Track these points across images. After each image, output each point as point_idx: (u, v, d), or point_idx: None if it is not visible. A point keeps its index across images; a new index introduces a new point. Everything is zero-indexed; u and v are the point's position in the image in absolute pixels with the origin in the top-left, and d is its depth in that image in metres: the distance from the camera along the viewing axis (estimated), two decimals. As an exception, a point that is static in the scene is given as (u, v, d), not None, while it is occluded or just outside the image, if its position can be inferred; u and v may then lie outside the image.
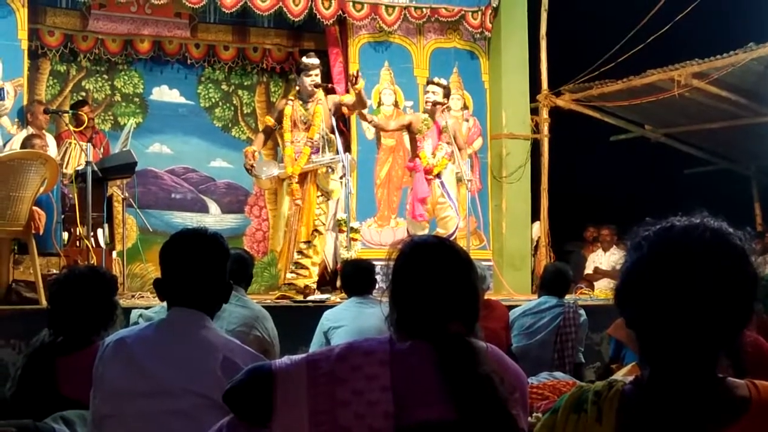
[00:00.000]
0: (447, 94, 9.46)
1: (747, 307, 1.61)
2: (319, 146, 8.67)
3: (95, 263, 7.34)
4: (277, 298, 8.35)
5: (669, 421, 1.59)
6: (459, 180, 9.32)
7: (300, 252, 8.56)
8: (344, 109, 8.95)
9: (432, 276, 2.15)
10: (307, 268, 8.57)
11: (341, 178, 8.66)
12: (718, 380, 1.63)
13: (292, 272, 8.54)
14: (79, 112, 9.36)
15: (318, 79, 8.78)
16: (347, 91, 10.32)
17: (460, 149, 9.13)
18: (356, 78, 8.69)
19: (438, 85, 9.38)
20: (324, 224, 8.66)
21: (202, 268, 2.92)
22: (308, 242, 8.59)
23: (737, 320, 1.61)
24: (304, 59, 8.94)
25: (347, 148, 9.11)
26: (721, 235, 1.63)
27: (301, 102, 8.74)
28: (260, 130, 9.49)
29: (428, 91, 9.38)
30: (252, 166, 8.76)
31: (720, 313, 1.59)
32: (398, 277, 2.20)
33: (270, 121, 8.92)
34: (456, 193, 9.31)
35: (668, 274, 1.60)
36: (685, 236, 1.62)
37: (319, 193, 8.68)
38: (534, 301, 6.90)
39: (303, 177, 8.63)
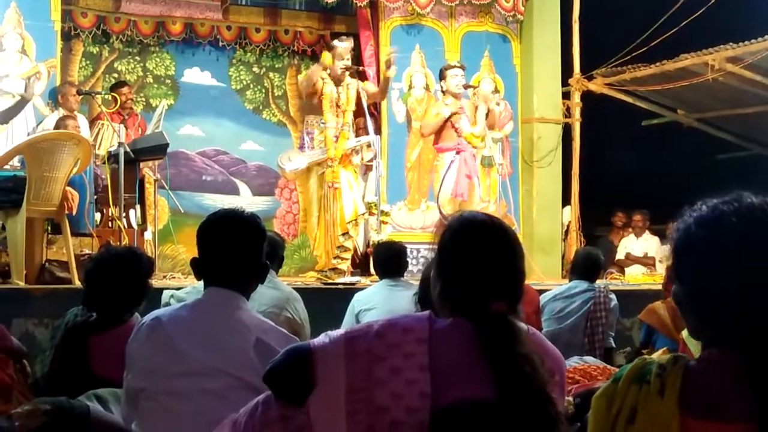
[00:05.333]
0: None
1: None
2: (352, 131, 8.78)
3: (127, 244, 7.39)
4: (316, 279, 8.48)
5: (732, 398, 1.59)
6: (488, 164, 9.43)
7: (345, 233, 8.62)
8: (363, 95, 8.88)
9: (479, 252, 2.13)
10: (348, 251, 8.66)
11: (371, 160, 8.70)
12: None
13: (336, 257, 8.61)
14: (116, 93, 9.42)
15: (349, 63, 8.79)
16: (378, 74, 10.33)
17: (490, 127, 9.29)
18: (390, 63, 8.71)
19: (461, 67, 9.45)
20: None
21: (240, 249, 2.96)
22: (356, 222, 8.68)
23: None
24: (336, 42, 8.94)
25: (377, 131, 9.16)
26: None
27: (334, 83, 8.76)
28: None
29: (455, 75, 9.37)
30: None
31: None
32: (446, 252, 2.19)
33: (329, 60, 8.83)
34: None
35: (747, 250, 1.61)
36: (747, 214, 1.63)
37: (355, 176, 8.79)
38: (565, 286, 6.89)
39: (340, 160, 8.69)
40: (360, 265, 8.99)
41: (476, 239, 2.16)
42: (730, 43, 10.62)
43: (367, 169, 9.24)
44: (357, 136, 9.07)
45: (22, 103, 8.84)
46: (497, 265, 2.12)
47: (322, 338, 2.08)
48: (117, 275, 3.81)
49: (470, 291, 2.09)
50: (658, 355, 5.00)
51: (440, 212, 9.47)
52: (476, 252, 2.13)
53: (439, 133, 9.43)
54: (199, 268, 3.00)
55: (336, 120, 8.73)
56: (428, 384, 1.94)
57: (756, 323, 1.59)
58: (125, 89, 9.84)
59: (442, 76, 9.55)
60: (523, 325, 2.07)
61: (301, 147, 8.98)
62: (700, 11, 10.33)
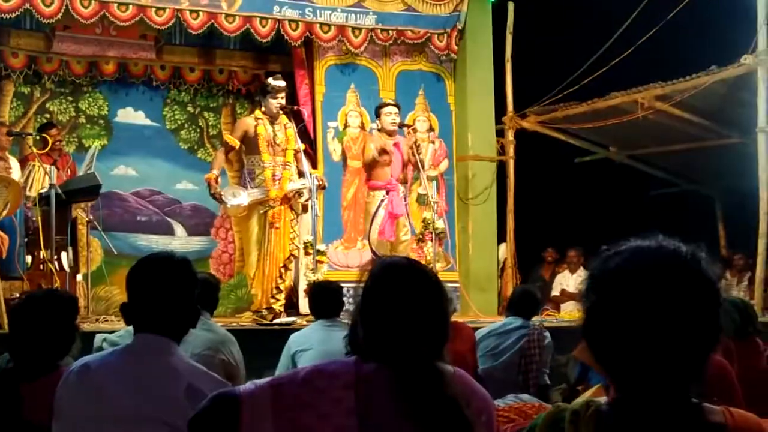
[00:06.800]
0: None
1: (716, 331, 1.63)
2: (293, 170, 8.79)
3: (59, 287, 7.28)
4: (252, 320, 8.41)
5: None
6: (423, 202, 9.54)
7: (280, 276, 8.59)
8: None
9: (401, 298, 2.14)
10: (282, 292, 8.61)
11: (307, 200, 8.69)
12: (693, 405, 1.64)
13: (273, 297, 8.56)
14: (45, 135, 9.29)
15: (284, 102, 8.81)
16: (313, 114, 10.41)
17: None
18: None
19: (395, 105, 9.55)
20: (298, 248, 8.71)
21: (170, 294, 2.91)
22: (285, 266, 8.63)
23: (707, 344, 1.62)
24: (271, 81, 8.95)
25: (313, 168, 9.19)
26: (690, 261, 1.64)
27: (270, 123, 8.77)
28: (221, 147, 9.43)
29: (390, 113, 9.45)
30: (219, 193, 8.74)
31: (692, 337, 1.60)
32: (367, 298, 2.19)
33: (234, 141, 8.88)
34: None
35: (646, 304, 1.60)
36: (657, 262, 1.64)
37: (292, 216, 8.72)
38: (499, 322, 6.92)
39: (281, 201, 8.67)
40: (295, 306, 8.95)
41: (396, 285, 2.17)
42: (659, 82, 10.84)
43: (303, 208, 9.21)
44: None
45: None
46: (418, 310, 2.13)
47: (248, 385, 2.07)
48: (37, 320, 3.71)
49: (392, 337, 2.10)
50: (593, 392, 5.05)
51: (372, 251, 9.50)
52: (396, 298, 2.14)
53: (371, 170, 9.51)
54: (128, 313, 2.96)
55: (273, 159, 8.72)
56: (356, 429, 1.93)
57: (661, 370, 1.60)
58: (54, 131, 9.63)
59: (377, 114, 9.64)
60: (448, 368, 2.08)
61: (243, 185, 8.96)
62: (630, 50, 10.53)
